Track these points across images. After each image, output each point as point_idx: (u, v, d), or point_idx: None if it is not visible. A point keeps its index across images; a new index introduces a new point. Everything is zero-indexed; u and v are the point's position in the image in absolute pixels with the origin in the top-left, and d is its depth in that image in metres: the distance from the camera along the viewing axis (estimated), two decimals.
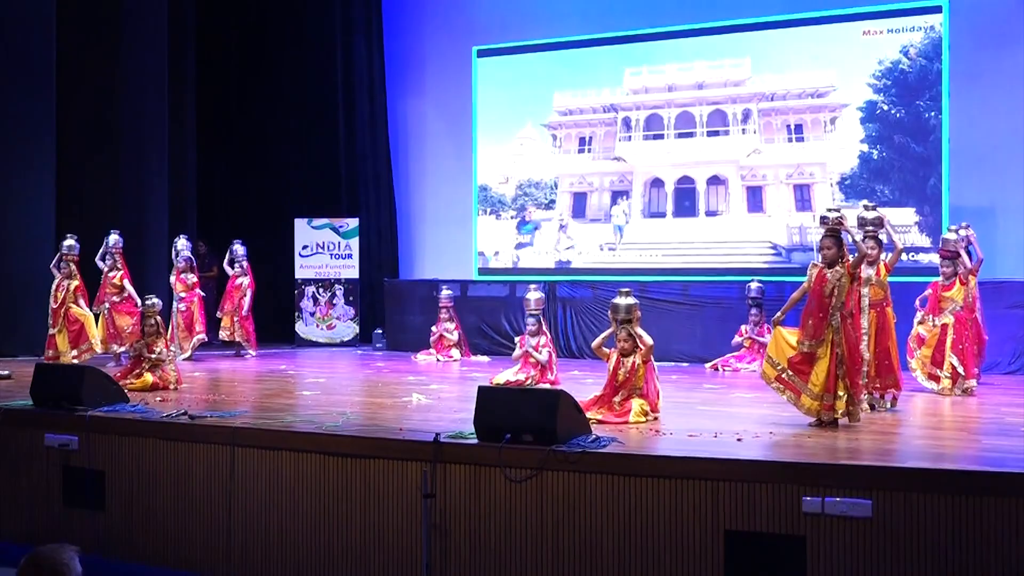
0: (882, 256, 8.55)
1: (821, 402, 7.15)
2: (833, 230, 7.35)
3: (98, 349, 11.55)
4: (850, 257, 7.36)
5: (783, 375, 7.32)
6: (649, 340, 7.68)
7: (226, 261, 13.93)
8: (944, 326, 9.23)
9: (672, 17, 13.74)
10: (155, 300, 9.99)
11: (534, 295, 10.64)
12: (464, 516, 6.23)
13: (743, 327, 11.78)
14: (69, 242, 11.71)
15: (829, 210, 7.53)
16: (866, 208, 8.70)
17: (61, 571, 3.44)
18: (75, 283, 11.60)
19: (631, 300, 7.82)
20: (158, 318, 9.90)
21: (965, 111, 12.04)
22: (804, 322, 7.32)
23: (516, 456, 6.09)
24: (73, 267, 11.64)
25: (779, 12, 13.10)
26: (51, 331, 11.54)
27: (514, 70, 14.67)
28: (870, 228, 8.49)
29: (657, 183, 13.68)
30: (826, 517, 5.41)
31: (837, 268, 7.29)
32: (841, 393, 7.18)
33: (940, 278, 9.47)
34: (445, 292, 13.33)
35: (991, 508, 5.21)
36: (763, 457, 5.96)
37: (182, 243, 13.29)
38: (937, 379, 9.22)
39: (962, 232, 9.54)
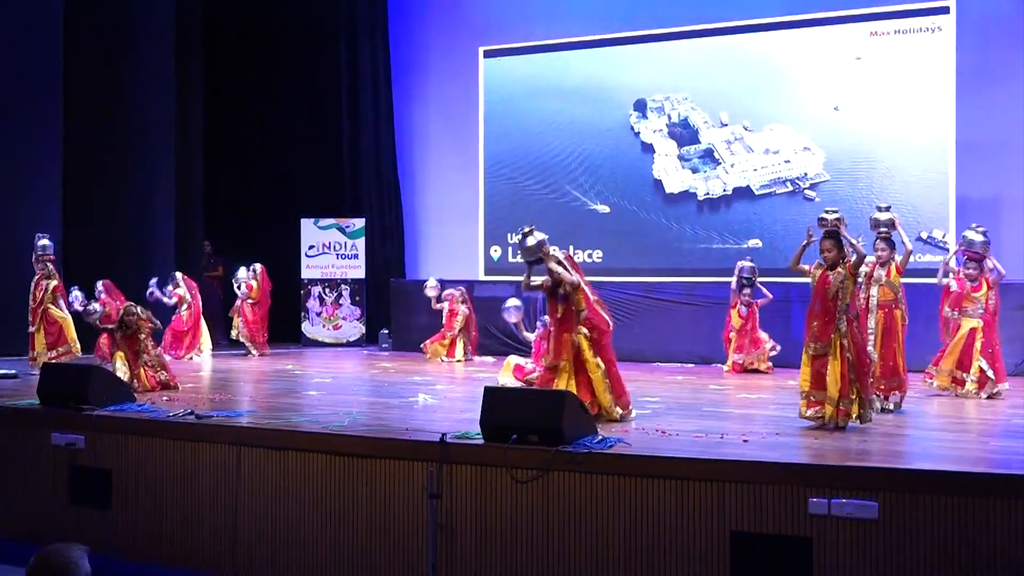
0: (895, 257, 8.54)
1: (837, 407, 7.04)
2: (832, 231, 7.29)
3: (77, 351, 11.44)
4: (853, 259, 7.31)
5: (811, 398, 7.20)
6: (570, 277, 7.62)
7: (235, 286, 14.13)
8: (973, 330, 9.13)
9: (679, 18, 13.74)
10: (129, 306, 9.82)
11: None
12: (470, 516, 6.23)
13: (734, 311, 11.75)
14: (43, 242, 11.60)
15: (827, 211, 7.44)
16: (879, 209, 8.67)
17: (70, 570, 3.45)
18: (54, 283, 11.52)
19: (539, 236, 7.78)
20: (133, 316, 9.67)
21: (971, 109, 12.05)
22: (809, 324, 7.28)
23: (522, 456, 6.09)
24: (50, 267, 11.54)
25: (785, 13, 13.11)
26: (30, 329, 11.48)
27: (520, 71, 14.67)
28: (883, 229, 8.48)
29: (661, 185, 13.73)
30: (832, 519, 5.41)
31: (839, 270, 7.21)
32: (853, 396, 7.10)
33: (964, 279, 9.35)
34: (448, 291, 13.35)
35: (998, 510, 5.20)
36: (769, 458, 5.95)
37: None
38: (961, 383, 9.08)
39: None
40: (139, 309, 9.82)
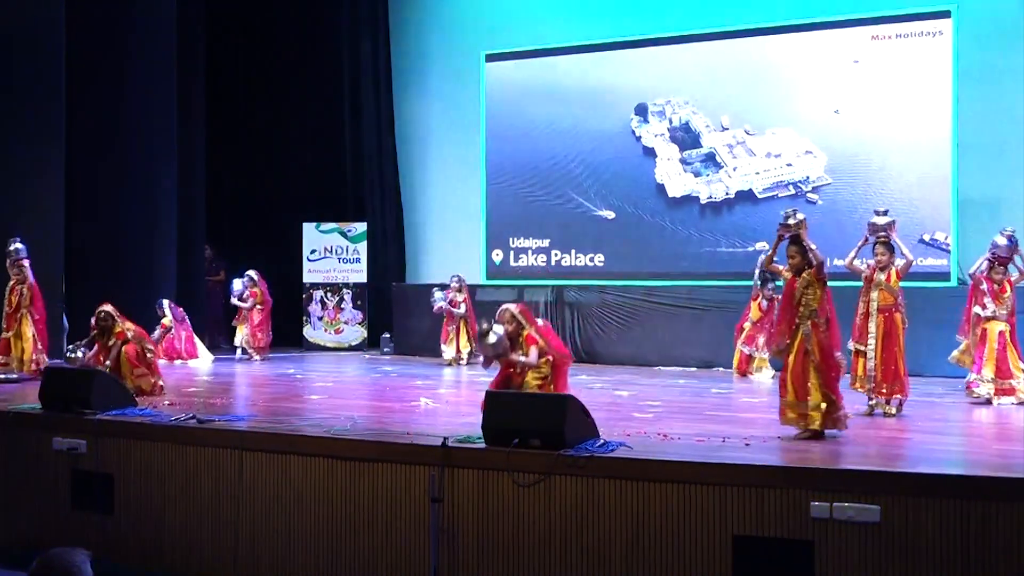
0: (895, 261, 8.50)
1: (797, 411, 6.90)
2: (796, 237, 7.08)
3: (43, 359, 10.97)
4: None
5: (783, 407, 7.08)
6: (533, 363, 7.55)
7: (235, 296, 14.14)
8: (1001, 333, 9.06)
9: (680, 23, 13.77)
10: (102, 311, 9.64)
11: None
12: (472, 520, 6.23)
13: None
14: (16, 246, 11.19)
15: (788, 213, 7.19)
16: (876, 213, 8.65)
17: (73, 574, 3.45)
18: (28, 286, 11.06)
19: (499, 332, 7.48)
20: (108, 321, 9.55)
21: (972, 111, 12.07)
22: (776, 325, 7.18)
23: (524, 460, 6.09)
24: (25, 270, 11.10)
25: (786, 18, 13.13)
26: (5, 334, 11.12)
27: (522, 75, 14.68)
28: (881, 234, 8.45)
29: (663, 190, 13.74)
30: (834, 522, 5.41)
31: (804, 275, 7.02)
32: (817, 403, 6.83)
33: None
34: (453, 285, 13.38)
35: (999, 513, 5.19)
36: (771, 462, 5.96)
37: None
38: (1010, 391, 8.92)
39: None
40: (112, 312, 9.61)
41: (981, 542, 5.20)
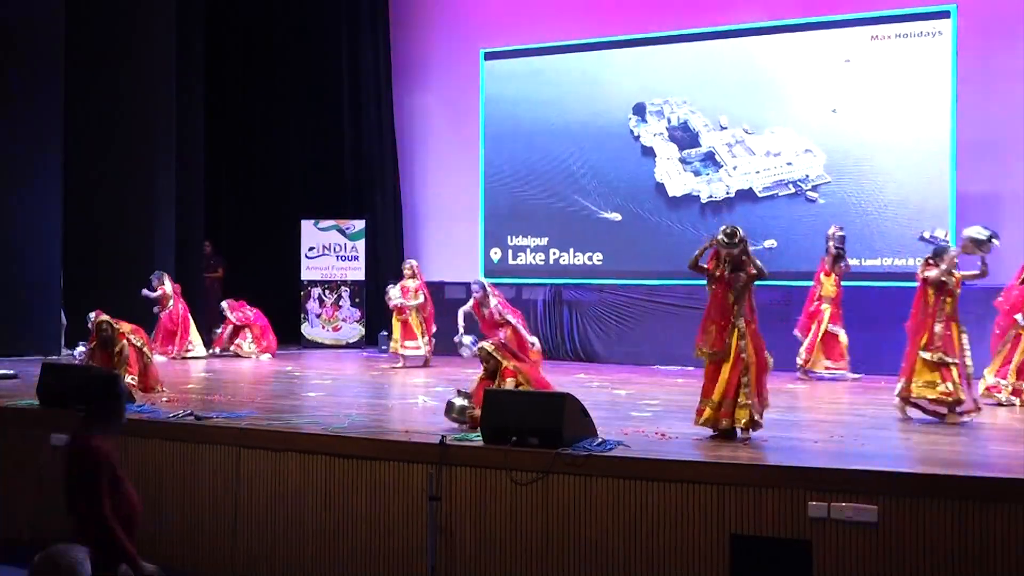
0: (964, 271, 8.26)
1: (719, 410, 6.82)
2: (740, 260, 6.96)
3: None
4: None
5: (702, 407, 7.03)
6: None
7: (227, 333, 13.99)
8: (1018, 335, 9.03)
9: (679, 22, 13.76)
10: (102, 322, 9.51)
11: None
12: (469, 518, 6.23)
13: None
14: None
15: (729, 232, 7.00)
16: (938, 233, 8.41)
17: (75, 570, 3.46)
18: None
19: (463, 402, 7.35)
20: (107, 332, 9.41)
21: (971, 109, 12.08)
22: (706, 328, 7.03)
23: (522, 458, 6.09)
24: None
25: (785, 17, 13.12)
26: None
27: (521, 73, 14.67)
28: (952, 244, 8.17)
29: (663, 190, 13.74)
30: (832, 522, 5.41)
31: (740, 275, 6.94)
32: (745, 401, 6.75)
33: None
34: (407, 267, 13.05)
35: (997, 514, 5.19)
36: (769, 461, 5.96)
37: None
38: (1018, 392, 8.89)
39: None
40: (110, 320, 9.48)
41: (979, 543, 5.20)
